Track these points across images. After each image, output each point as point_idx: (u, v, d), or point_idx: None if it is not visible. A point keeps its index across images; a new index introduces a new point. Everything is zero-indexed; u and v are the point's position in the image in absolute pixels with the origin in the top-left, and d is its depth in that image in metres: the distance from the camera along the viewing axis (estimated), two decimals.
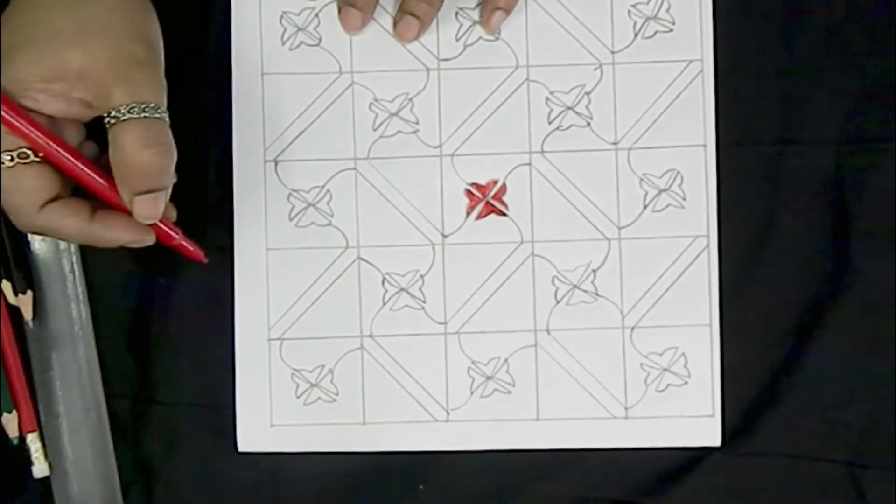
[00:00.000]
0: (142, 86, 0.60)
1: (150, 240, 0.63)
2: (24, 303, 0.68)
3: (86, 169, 0.61)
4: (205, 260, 0.66)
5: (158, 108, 0.61)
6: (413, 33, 0.68)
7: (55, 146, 0.60)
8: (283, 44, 0.69)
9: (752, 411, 0.68)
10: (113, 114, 0.60)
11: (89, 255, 0.69)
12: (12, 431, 0.67)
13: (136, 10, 0.62)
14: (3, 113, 0.59)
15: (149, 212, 0.61)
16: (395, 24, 0.69)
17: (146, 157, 0.60)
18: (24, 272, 0.68)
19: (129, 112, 0.59)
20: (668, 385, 0.68)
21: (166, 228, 0.64)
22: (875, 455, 0.67)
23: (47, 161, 0.61)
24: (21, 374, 0.68)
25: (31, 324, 0.68)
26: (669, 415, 0.68)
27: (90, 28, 0.60)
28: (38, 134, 0.60)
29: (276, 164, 0.69)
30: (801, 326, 0.68)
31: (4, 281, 0.68)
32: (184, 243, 0.65)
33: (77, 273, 0.69)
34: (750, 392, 0.68)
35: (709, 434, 0.68)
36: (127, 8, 0.61)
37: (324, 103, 0.69)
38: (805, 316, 0.68)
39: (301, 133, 0.69)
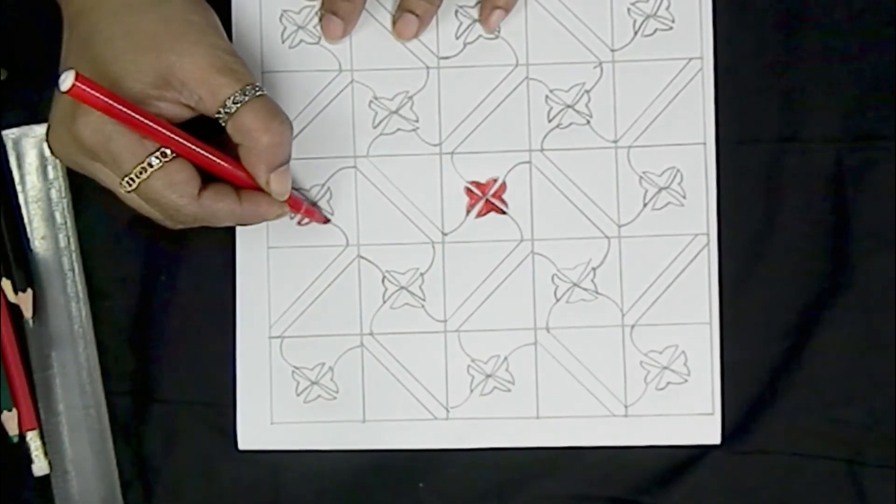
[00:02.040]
0: (239, 71, 0.62)
1: (287, 211, 0.66)
2: (24, 301, 0.68)
3: (221, 159, 0.63)
4: (327, 221, 0.69)
5: (258, 85, 0.62)
6: (412, 31, 0.68)
7: (189, 142, 0.61)
8: (283, 42, 0.69)
9: (751, 409, 0.68)
10: (227, 106, 0.61)
11: (89, 253, 0.69)
12: (12, 429, 0.67)
13: (200, 2, 0.64)
14: (138, 118, 0.59)
15: (283, 187, 0.63)
16: (394, 22, 0.69)
17: (272, 135, 0.62)
18: (25, 270, 0.68)
19: (241, 99, 0.61)
20: (668, 383, 0.68)
21: (295, 197, 0.66)
22: (875, 453, 0.67)
23: (182, 156, 0.62)
24: (21, 373, 0.68)
25: (30, 322, 0.68)
26: (669, 413, 0.68)
27: (178, 29, 0.61)
28: (173, 133, 0.61)
29: None
30: (800, 324, 0.68)
31: (4, 279, 0.68)
32: (310, 209, 0.68)
33: (77, 271, 0.69)
34: (750, 390, 0.68)
35: (709, 432, 0.68)
36: (198, 2, 0.63)
37: (323, 101, 0.69)
38: (805, 314, 0.68)
39: (301, 131, 0.69)
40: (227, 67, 0.61)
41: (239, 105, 0.61)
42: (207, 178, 0.63)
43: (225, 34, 0.64)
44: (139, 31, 0.61)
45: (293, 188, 0.67)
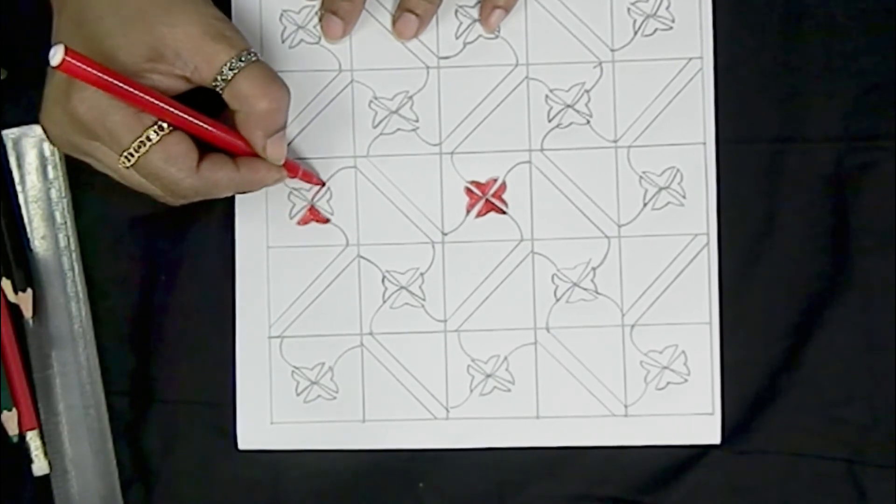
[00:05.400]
0: (233, 38, 0.62)
1: (286, 176, 0.66)
2: (24, 301, 0.68)
3: (216, 127, 0.63)
4: (325, 184, 0.69)
5: (253, 51, 0.62)
6: (412, 31, 0.68)
7: (184, 112, 0.61)
8: (283, 42, 0.69)
9: (751, 409, 0.68)
10: (223, 73, 0.61)
11: (89, 253, 0.69)
12: (12, 429, 0.67)
13: None
14: (132, 91, 0.59)
15: (279, 152, 0.64)
16: (394, 22, 0.69)
17: (270, 100, 0.62)
18: (25, 270, 0.68)
19: (237, 66, 0.61)
20: (668, 383, 0.68)
21: (291, 162, 0.67)
22: (875, 452, 0.67)
23: (179, 128, 0.62)
24: (21, 372, 0.68)
25: (30, 322, 0.68)
26: (669, 412, 0.68)
27: (168, 0, 0.61)
28: (167, 105, 0.61)
29: None
30: (800, 324, 0.68)
31: (4, 279, 0.68)
32: (307, 172, 0.68)
33: (77, 271, 0.69)
34: (749, 390, 0.68)
35: (708, 432, 0.68)
36: None
37: (323, 101, 0.69)
38: (805, 313, 0.68)
39: (301, 131, 0.69)
40: (220, 34, 0.61)
41: (235, 72, 0.61)
42: (204, 149, 0.63)
43: (214, 4, 0.63)
44: (128, 6, 0.61)
45: (299, 158, 0.67)
